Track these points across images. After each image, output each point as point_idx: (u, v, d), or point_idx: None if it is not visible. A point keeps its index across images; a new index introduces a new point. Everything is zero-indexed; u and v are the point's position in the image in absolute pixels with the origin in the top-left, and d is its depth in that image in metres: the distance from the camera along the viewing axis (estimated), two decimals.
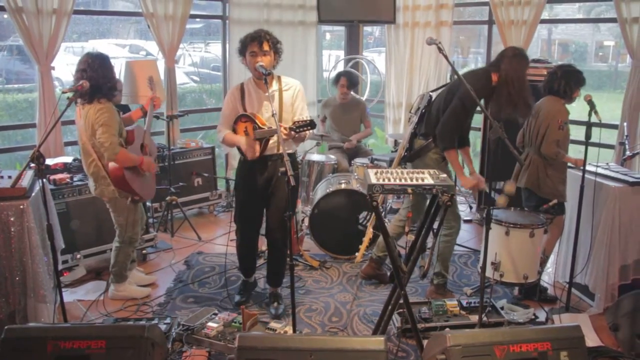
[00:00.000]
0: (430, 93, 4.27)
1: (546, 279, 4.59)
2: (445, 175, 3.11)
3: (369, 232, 3.78)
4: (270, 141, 3.80)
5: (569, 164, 4.21)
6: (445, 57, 3.47)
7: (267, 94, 3.71)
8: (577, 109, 4.53)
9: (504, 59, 3.84)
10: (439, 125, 3.95)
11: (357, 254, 4.03)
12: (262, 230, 4.21)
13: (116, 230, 4.19)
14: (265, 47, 3.73)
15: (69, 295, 4.23)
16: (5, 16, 4.99)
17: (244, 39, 3.81)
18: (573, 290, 4.17)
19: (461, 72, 4.36)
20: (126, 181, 3.94)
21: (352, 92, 6.33)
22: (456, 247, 5.33)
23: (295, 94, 3.91)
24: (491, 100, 3.88)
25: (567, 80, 4.07)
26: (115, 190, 3.99)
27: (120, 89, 4.19)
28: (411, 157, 4.18)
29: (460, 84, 3.67)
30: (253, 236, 4.16)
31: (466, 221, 6.19)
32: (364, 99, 7.14)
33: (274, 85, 3.87)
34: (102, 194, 4.02)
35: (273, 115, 3.43)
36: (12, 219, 3.40)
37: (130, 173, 3.98)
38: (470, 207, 6.55)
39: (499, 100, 3.82)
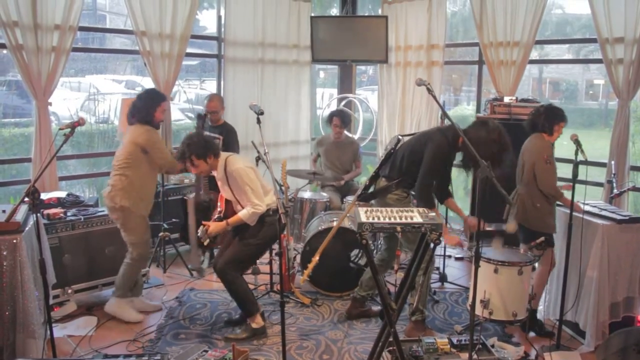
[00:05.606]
0: (400, 136, 4.29)
1: (538, 316, 4.59)
2: (434, 213, 3.17)
3: (315, 259, 3.85)
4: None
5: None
6: (434, 97, 3.55)
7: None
8: (567, 147, 4.62)
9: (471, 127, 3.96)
10: (416, 186, 4.04)
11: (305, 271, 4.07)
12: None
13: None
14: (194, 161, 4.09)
15: (59, 331, 4.20)
16: (5, 52, 5.09)
17: None
18: (564, 328, 4.18)
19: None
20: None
21: (345, 131, 6.42)
22: (447, 285, 5.37)
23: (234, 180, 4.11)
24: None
25: (547, 116, 4.24)
26: (129, 200, 4.26)
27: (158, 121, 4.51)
28: (368, 196, 4.20)
29: (428, 140, 3.96)
30: None
31: (457, 259, 6.22)
32: (356, 137, 7.23)
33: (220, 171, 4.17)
34: (113, 200, 4.27)
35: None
36: (4, 253, 3.39)
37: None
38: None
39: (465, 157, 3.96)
